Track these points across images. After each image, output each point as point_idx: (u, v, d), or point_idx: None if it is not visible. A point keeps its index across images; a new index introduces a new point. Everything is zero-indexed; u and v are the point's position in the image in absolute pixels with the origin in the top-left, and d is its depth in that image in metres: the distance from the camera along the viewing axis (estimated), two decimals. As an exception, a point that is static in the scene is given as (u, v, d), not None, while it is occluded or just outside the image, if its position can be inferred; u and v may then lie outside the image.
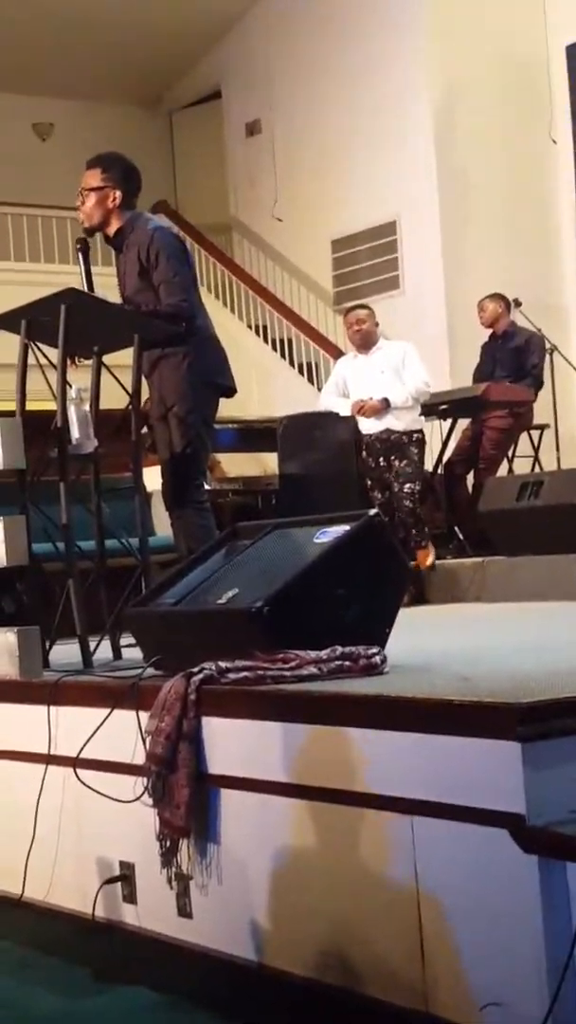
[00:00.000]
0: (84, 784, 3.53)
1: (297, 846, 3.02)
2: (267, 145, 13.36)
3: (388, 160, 11.86)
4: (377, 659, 3.31)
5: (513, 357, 8.89)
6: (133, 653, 4.15)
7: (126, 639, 4.36)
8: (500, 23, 11.50)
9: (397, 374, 7.59)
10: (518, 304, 9.35)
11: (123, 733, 3.42)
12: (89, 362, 4.70)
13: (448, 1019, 2.65)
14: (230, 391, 5.23)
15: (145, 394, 4.94)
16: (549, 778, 2.49)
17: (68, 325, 4.28)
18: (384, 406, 7.52)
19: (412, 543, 7.47)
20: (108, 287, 5.13)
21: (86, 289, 4.83)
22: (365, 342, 7.74)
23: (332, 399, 7.91)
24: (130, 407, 4.61)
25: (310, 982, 2.97)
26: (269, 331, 12.93)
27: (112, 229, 5.08)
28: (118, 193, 5.03)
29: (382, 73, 11.89)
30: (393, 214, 11.95)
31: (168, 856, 3.28)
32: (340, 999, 2.87)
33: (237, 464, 9.94)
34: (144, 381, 4.85)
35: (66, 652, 4.29)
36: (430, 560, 7.56)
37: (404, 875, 2.74)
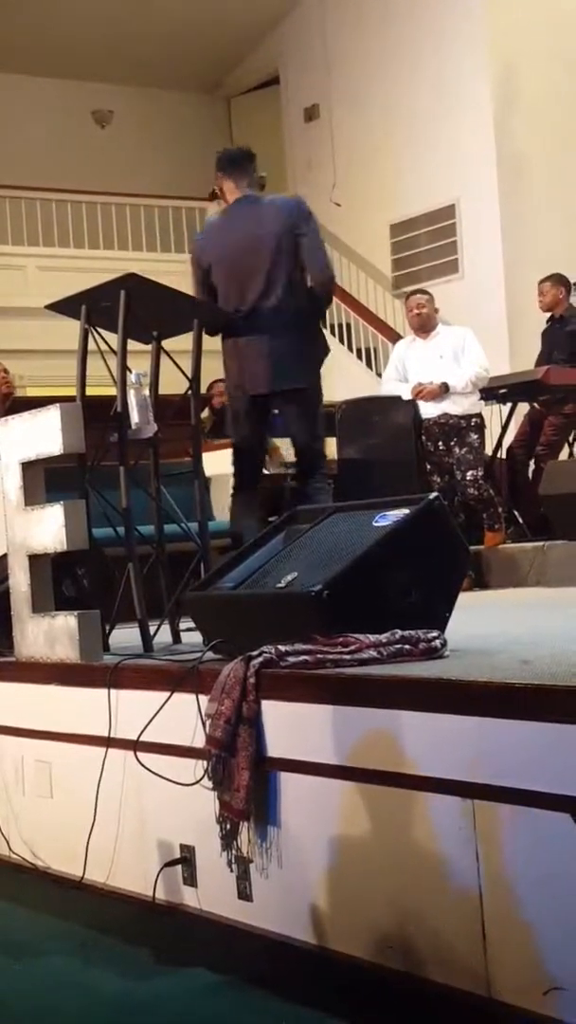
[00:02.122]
0: (144, 767, 3.55)
1: (357, 830, 3.01)
2: (325, 130, 13.33)
3: (447, 143, 11.79)
4: (437, 643, 3.29)
5: (569, 340, 8.80)
6: (193, 637, 4.16)
7: (186, 623, 4.37)
8: (559, 5, 11.38)
9: (456, 359, 7.57)
10: (577, 286, 9.27)
11: (183, 716, 3.43)
12: (149, 347, 4.72)
13: (510, 1003, 2.63)
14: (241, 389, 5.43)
15: (208, 377, 5.00)
16: (611, 762, 2.46)
17: (127, 310, 4.29)
18: (443, 390, 7.51)
19: (484, 526, 7.50)
20: (174, 274, 5.18)
21: None
22: (424, 326, 7.74)
23: (393, 384, 7.92)
24: (189, 391, 4.62)
25: (370, 965, 2.96)
26: (328, 316, 12.85)
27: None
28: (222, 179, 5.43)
29: (440, 56, 11.82)
30: (452, 198, 11.88)
31: (228, 839, 3.29)
32: (400, 983, 2.86)
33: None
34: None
35: (126, 636, 4.31)
36: (497, 543, 7.55)
37: (465, 859, 2.72)
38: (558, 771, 2.50)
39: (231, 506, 5.49)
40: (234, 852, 3.29)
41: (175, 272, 5.34)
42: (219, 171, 5.38)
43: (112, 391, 4.38)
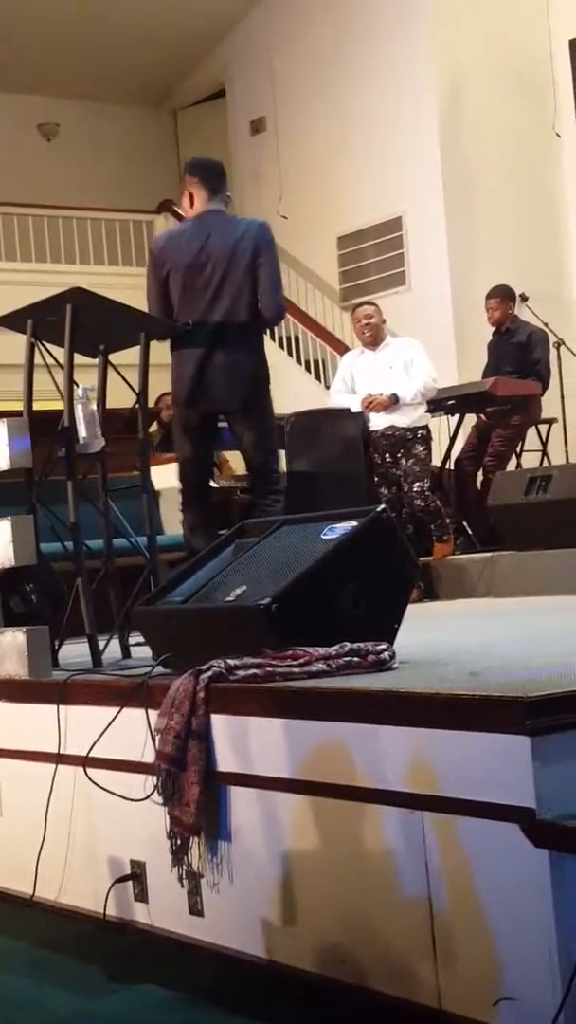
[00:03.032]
0: (94, 783, 3.54)
1: (307, 843, 3.01)
2: (272, 142, 13.35)
3: (393, 156, 11.84)
4: (386, 655, 3.30)
5: (517, 352, 8.86)
6: (142, 652, 4.15)
7: (135, 638, 4.36)
8: (504, 19, 11.48)
9: (406, 370, 7.60)
10: (524, 298, 9.33)
11: (133, 732, 3.42)
12: (96, 361, 4.70)
13: (461, 1015, 2.64)
14: (191, 401, 5.43)
15: (156, 390, 5.00)
16: (559, 772, 2.48)
17: (74, 324, 4.28)
18: (393, 401, 7.53)
19: (433, 537, 7.53)
20: (122, 287, 5.18)
21: None
22: (374, 338, 7.76)
23: (341, 396, 7.93)
24: (137, 406, 4.62)
25: (321, 979, 2.96)
26: (276, 328, 12.90)
27: None
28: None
29: (386, 69, 11.88)
30: (399, 210, 11.93)
31: (179, 854, 3.28)
32: (352, 996, 2.87)
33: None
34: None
35: (75, 651, 4.29)
36: (446, 554, 7.58)
37: (415, 871, 2.73)
38: (507, 782, 2.52)
39: (184, 522, 5.47)
40: (185, 867, 3.29)
41: (121, 286, 5.33)
42: (193, 176, 5.32)
43: (59, 405, 4.36)
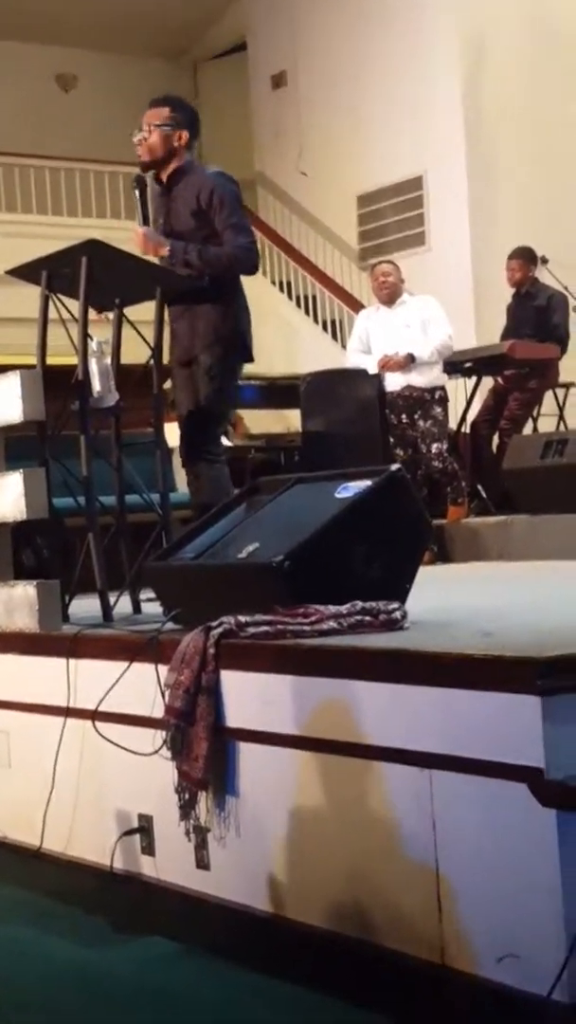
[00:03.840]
0: (103, 737, 3.54)
1: (315, 799, 3.02)
2: (292, 98, 13.24)
3: (415, 114, 11.73)
4: (397, 614, 3.30)
5: (536, 315, 8.81)
6: (153, 608, 4.15)
7: (146, 594, 4.36)
8: (530, -23, 11.34)
9: (424, 328, 7.57)
10: (545, 261, 9.25)
11: (142, 686, 3.42)
12: (111, 315, 4.68)
13: (464, 971, 2.65)
14: (251, 355, 5.25)
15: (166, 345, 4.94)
16: (568, 732, 2.47)
17: (89, 277, 4.25)
18: (409, 361, 7.50)
19: (448, 500, 7.53)
20: (125, 241, 5.11)
21: (142, 224, 5.01)
22: (391, 296, 7.75)
23: (357, 355, 7.90)
24: (151, 361, 4.59)
25: (326, 933, 2.97)
26: (293, 287, 12.86)
27: (170, 169, 5.15)
28: (184, 134, 5.14)
29: (410, 27, 11.74)
30: (420, 169, 11.83)
31: (186, 809, 3.29)
32: (356, 950, 2.88)
33: (260, 421, 9.92)
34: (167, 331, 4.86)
35: (86, 606, 4.29)
36: (460, 517, 7.57)
37: (422, 828, 2.73)
38: (515, 741, 2.51)
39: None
40: (192, 821, 3.30)
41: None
42: (185, 118, 5.19)
43: (73, 360, 4.34)
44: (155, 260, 4.99)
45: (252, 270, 5.13)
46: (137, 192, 5.10)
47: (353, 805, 2.92)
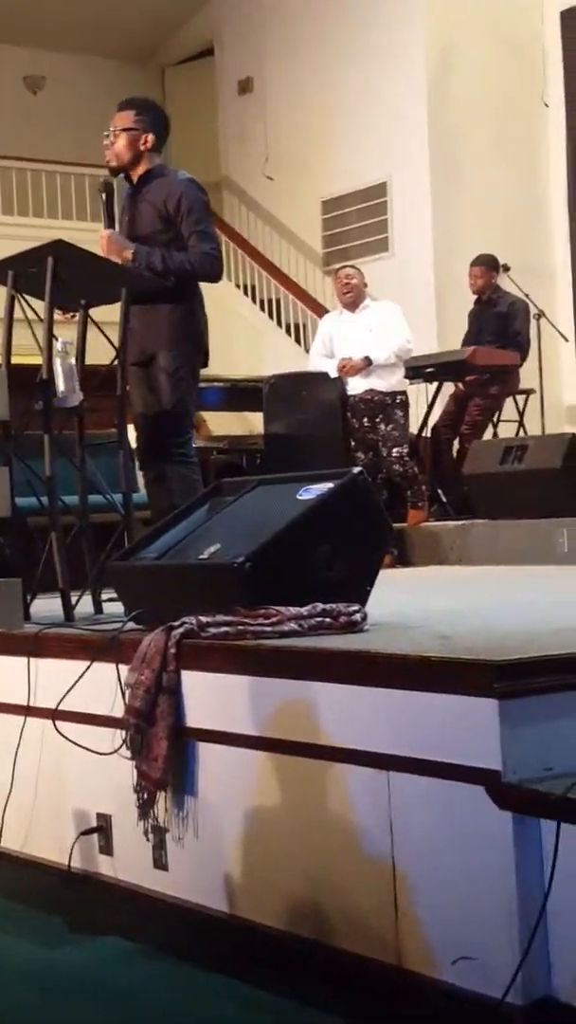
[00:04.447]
0: (63, 736, 3.54)
1: (274, 800, 3.03)
2: (259, 103, 13.27)
3: (380, 121, 11.79)
4: (357, 616, 3.32)
5: (497, 322, 8.88)
6: (115, 608, 4.15)
7: (108, 595, 4.36)
8: (495, -14, 11.42)
9: (385, 332, 7.61)
10: (506, 269, 9.33)
11: (103, 686, 3.43)
12: (77, 316, 4.68)
13: (419, 972, 2.67)
14: (207, 359, 5.26)
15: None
16: (525, 735, 2.50)
17: (55, 277, 4.26)
18: (366, 364, 7.55)
19: (408, 503, 7.57)
20: (91, 243, 5.12)
21: (107, 227, 5.03)
22: (354, 300, 7.79)
23: (320, 360, 7.94)
24: (116, 362, 4.60)
25: (283, 934, 2.99)
26: (258, 291, 12.89)
27: (139, 172, 5.17)
28: (150, 137, 5.14)
29: (376, 34, 11.80)
30: (384, 175, 11.89)
31: (145, 808, 3.29)
32: (312, 951, 2.89)
33: (223, 423, 9.93)
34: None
35: (47, 606, 4.29)
36: (420, 521, 7.61)
37: (379, 830, 2.75)
38: (473, 744, 2.53)
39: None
40: (151, 821, 3.30)
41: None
42: (152, 121, 5.21)
43: (38, 360, 4.34)
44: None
45: (215, 278, 5.13)
46: (104, 196, 5.11)
47: (311, 806, 2.94)
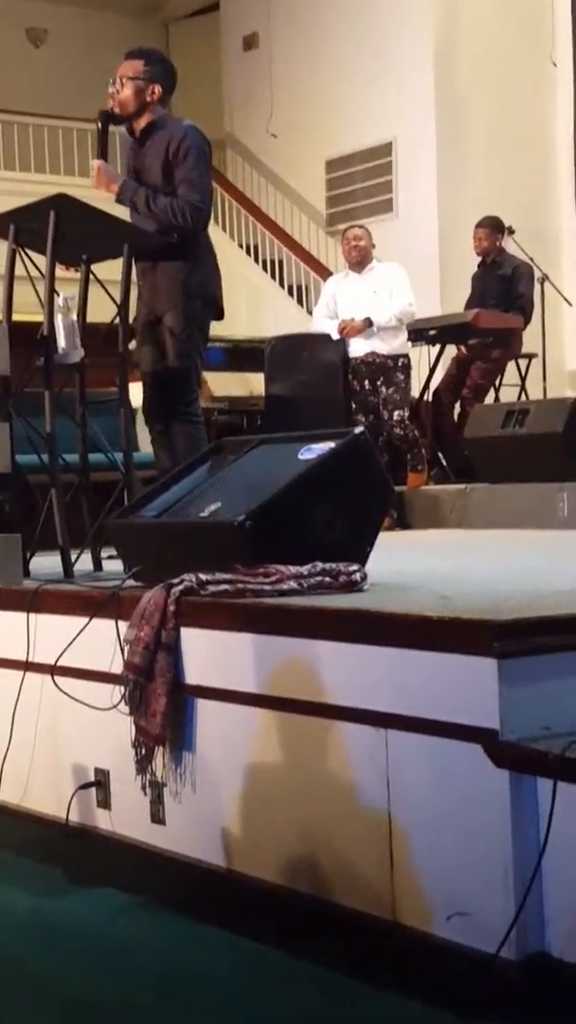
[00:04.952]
0: (62, 691, 3.56)
1: (271, 757, 3.05)
2: (264, 60, 13.17)
3: (386, 80, 11.70)
4: (357, 576, 3.32)
5: (501, 285, 8.84)
6: (114, 566, 4.16)
7: (107, 552, 4.37)
8: (504, -56, 11.31)
9: (391, 294, 7.59)
10: (511, 231, 9.29)
11: (102, 642, 3.44)
12: (77, 271, 4.66)
13: (415, 927, 2.69)
14: (221, 312, 5.24)
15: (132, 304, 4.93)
16: (524, 694, 2.51)
17: (57, 231, 4.24)
18: (367, 325, 7.52)
19: (408, 467, 7.57)
20: (107, 200, 5.11)
21: (99, 158, 5.04)
22: (361, 260, 7.76)
23: (323, 321, 7.92)
24: (117, 319, 4.58)
25: (280, 889, 3.01)
26: (260, 251, 12.83)
27: (143, 123, 5.14)
28: (157, 88, 5.11)
29: (383, -9, 11.70)
30: (390, 136, 11.82)
31: (143, 764, 3.31)
32: (309, 906, 2.92)
33: (224, 384, 9.89)
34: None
35: (47, 563, 4.29)
36: (420, 484, 7.62)
37: (376, 787, 2.77)
38: (471, 703, 2.54)
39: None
40: (148, 776, 3.32)
41: (107, 198, 5.28)
42: (160, 72, 5.17)
43: (39, 318, 4.33)
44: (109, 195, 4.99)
45: (195, 229, 5.06)
46: (99, 125, 5.08)
47: (308, 763, 2.95)
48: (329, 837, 2.91)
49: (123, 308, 4.57)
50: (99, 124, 5.11)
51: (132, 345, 5.08)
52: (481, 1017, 2.37)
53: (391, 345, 7.62)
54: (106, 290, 4.58)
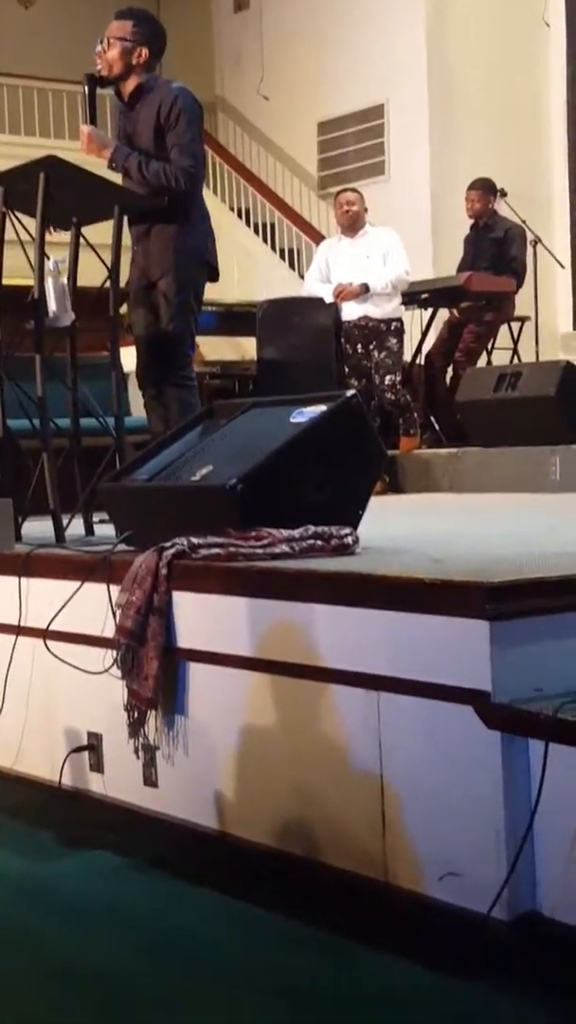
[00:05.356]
0: (54, 655, 3.56)
1: (263, 720, 3.05)
2: (255, 21, 13.05)
3: (378, 42, 11.61)
4: (349, 539, 3.32)
5: (493, 248, 8.81)
6: (106, 531, 4.16)
7: (99, 517, 4.36)
8: None
9: (384, 260, 7.56)
10: (504, 194, 9.24)
11: (93, 606, 3.44)
12: (67, 234, 4.62)
13: (407, 888, 2.71)
14: (215, 274, 5.21)
15: (127, 269, 4.91)
16: (515, 656, 2.52)
17: (47, 193, 4.20)
18: (363, 291, 7.49)
19: (400, 431, 7.56)
20: (98, 163, 5.06)
21: (88, 123, 4.96)
22: (353, 224, 7.72)
23: (316, 285, 7.88)
24: (108, 283, 4.56)
25: (272, 851, 3.02)
26: (252, 215, 12.76)
27: (131, 86, 5.07)
28: (145, 51, 5.04)
29: (375, -49, 11.60)
30: (381, 98, 11.74)
31: (135, 727, 3.32)
32: (301, 868, 2.93)
33: (216, 348, 9.86)
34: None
35: (38, 528, 4.29)
36: (412, 448, 7.61)
37: (368, 750, 2.77)
38: (463, 665, 2.55)
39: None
40: (141, 740, 3.33)
41: (97, 162, 5.23)
42: (148, 34, 5.11)
43: (29, 282, 4.30)
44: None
45: (188, 195, 5.02)
46: (86, 89, 5.02)
47: (301, 725, 2.96)
48: (321, 799, 2.92)
49: (114, 272, 4.53)
50: (85, 87, 5.04)
51: (123, 309, 5.05)
52: (473, 976, 2.39)
53: (384, 309, 7.60)
54: (97, 253, 4.54)
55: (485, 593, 2.52)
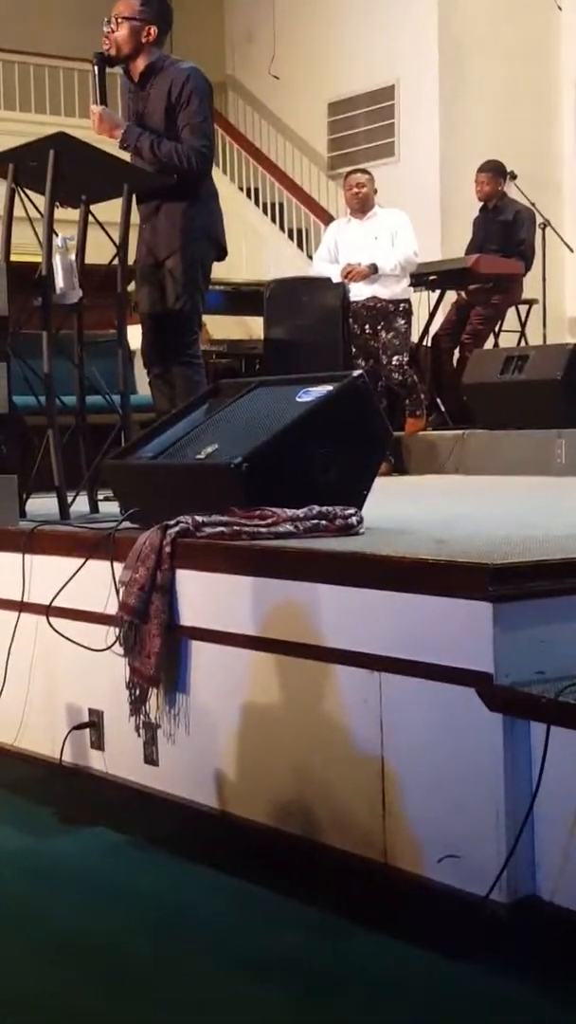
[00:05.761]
0: (56, 632, 3.56)
1: (265, 699, 3.05)
2: (266, 1, 12.99)
3: (389, 22, 11.56)
4: (353, 519, 3.31)
5: (502, 230, 8.78)
6: (110, 508, 4.16)
7: (104, 494, 4.36)
8: None
9: (392, 241, 7.54)
10: (513, 176, 9.21)
11: (97, 583, 3.43)
12: (76, 211, 4.61)
13: (406, 869, 2.71)
14: (223, 253, 5.20)
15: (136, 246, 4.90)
16: (518, 639, 2.51)
17: (56, 170, 4.19)
18: (372, 271, 7.48)
19: (406, 412, 7.55)
20: (106, 141, 5.04)
21: (99, 103, 4.93)
22: (363, 206, 7.70)
23: (324, 265, 7.86)
24: (116, 261, 4.54)
25: (271, 830, 3.02)
26: (261, 194, 12.73)
27: (140, 65, 5.05)
28: (153, 29, 5.01)
29: None
30: (392, 79, 11.69)
31: (137, 705, 3.32)
32: (301, 848, 2.93)
33: (223, 327, 9.86)
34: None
35: (43, 505, 4.29)
36: (418, 430, 7.60)
37: (370, 731, 2.77)
38: (465, 646, 2.55)
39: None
40: (142, 717, 3.33)
41: (106, 141, 5.21)
42: (156, 12, 5.05)
43: (37, 259, 4.29)
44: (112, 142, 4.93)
45: (199, 175, 5.02)
46: (96, 69, 5.00)
47: (302, 705, 2.95)
48: (321, 779, 2.92)
49: (122, 249, 4.52)
50: (95, 67, 5.01)
51: (131, 287, 5.04)
52: (471, 959, 2.39)
53: (392, 290, 7.58)
54: (105, 231, 4.53)
55: (488, 575, 2.51)
